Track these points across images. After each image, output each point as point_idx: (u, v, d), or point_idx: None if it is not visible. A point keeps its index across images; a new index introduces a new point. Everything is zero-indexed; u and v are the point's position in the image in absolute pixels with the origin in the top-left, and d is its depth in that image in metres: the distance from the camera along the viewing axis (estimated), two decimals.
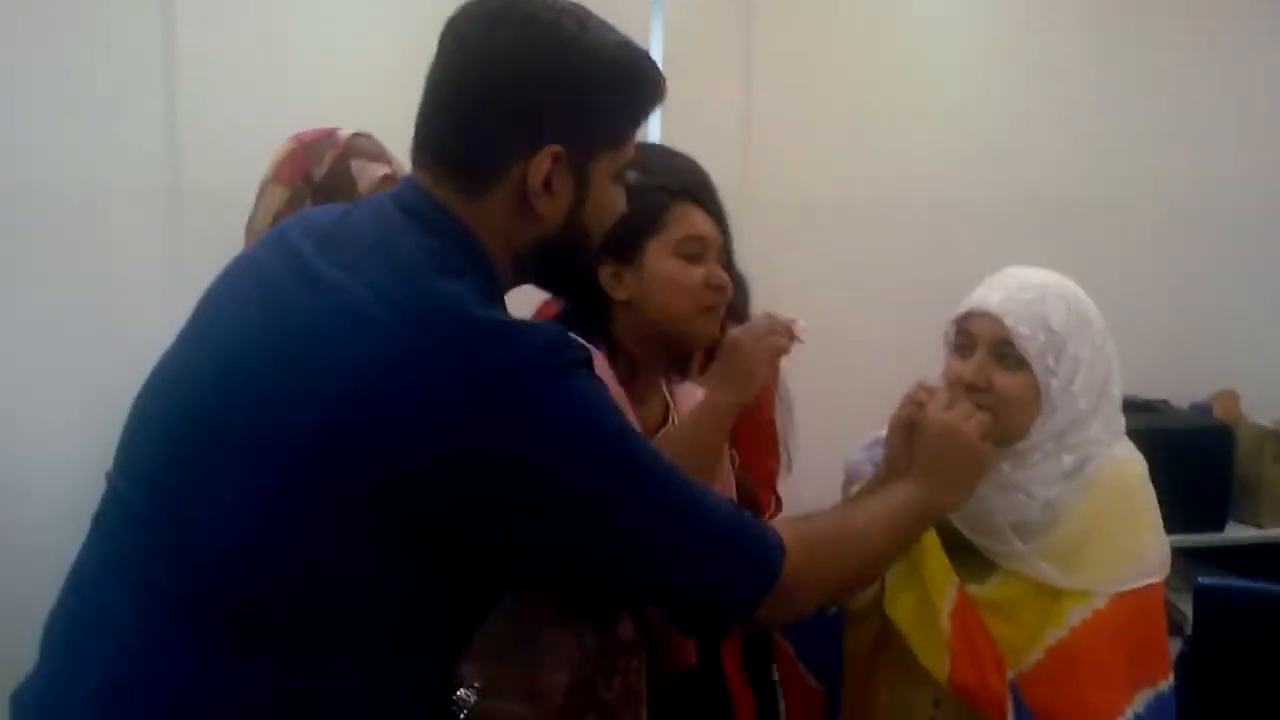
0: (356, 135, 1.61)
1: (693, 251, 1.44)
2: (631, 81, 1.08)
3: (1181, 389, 2.99)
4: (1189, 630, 2.05)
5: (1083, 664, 1.32)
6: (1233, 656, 1.95)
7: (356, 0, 2.46)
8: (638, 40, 1.10)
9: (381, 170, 1.58)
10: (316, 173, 1.55)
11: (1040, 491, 1.35)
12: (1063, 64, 2.91)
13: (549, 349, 0.96)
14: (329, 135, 1.58)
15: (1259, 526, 2.85)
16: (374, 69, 2.36)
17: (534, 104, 1.02)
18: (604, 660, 1.42)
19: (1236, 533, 2.85)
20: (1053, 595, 1.34)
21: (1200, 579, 2.06)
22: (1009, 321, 1.33)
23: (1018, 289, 1.35)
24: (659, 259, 1.44)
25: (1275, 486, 2.83)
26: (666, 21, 2.64)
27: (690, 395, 1.54)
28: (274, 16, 2.38)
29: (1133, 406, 2.69)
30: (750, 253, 1.98)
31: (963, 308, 1.39)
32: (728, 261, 1.52)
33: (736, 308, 1.69)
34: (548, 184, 1.03)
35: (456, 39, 1.05)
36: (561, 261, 1.11)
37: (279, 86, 2.31)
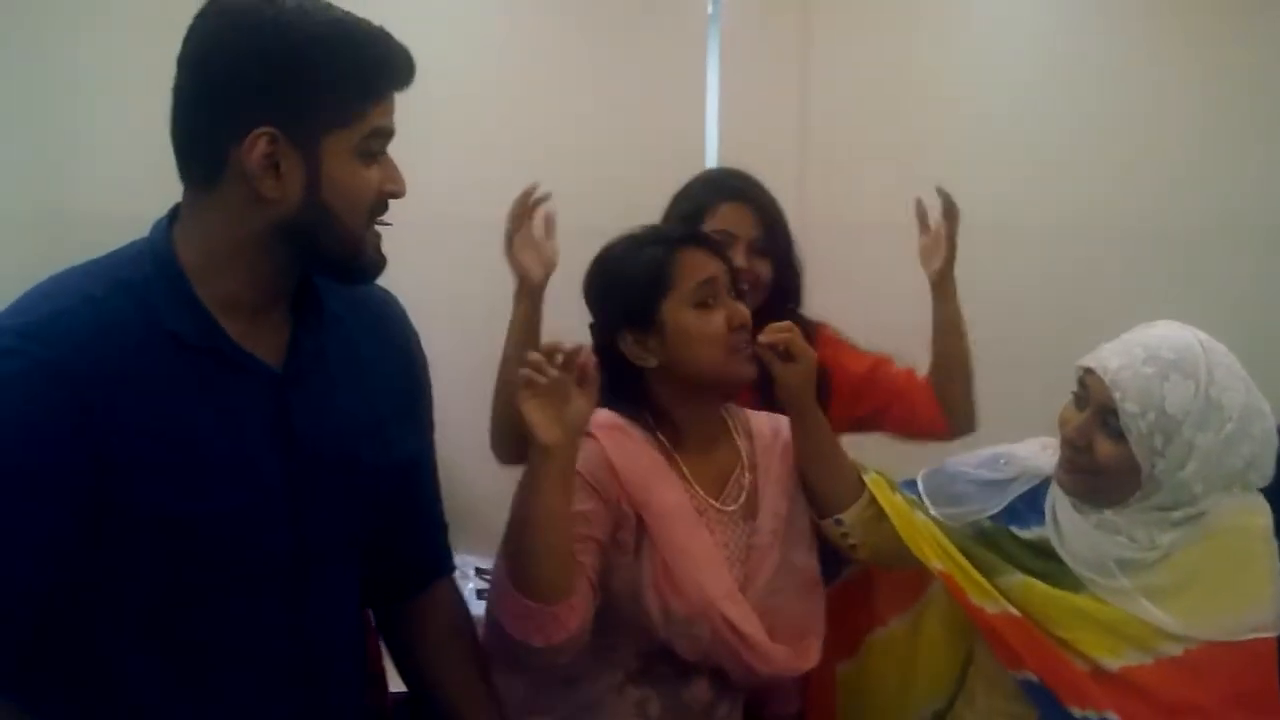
0: None
1: (705, 297, 1.39)
2: (343, 55, 1.04)
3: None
4: None
5: (1159, 698, 1.27)
6: None
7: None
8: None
9: None
10: None
11: (1144, 536, 1.30)
12: (1138, 67, 2.83)
13: None
14: None
15: None
16: None
17: (235, 88, 1.02)
18: None
19: None
20: (1148, 625, 1.29)
21: None
22: (1117, 395, 1.26)
23: (1141, 360, 1.26)
24: (678, 316, 1.39)
25: None
26: (723, 42, 2.64)
27: (768, 425, 1.51)
28: None
29: None
30: (808, 273, 1.98)
31: (1087, 360, 1.32)
32: (741, 294, 1.46)
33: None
34: (274, 166, 1.03)
35: (186, 39, 1.06)
36: (314, 244, 1.08)
37: None
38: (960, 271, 2.65)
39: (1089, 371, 1.31)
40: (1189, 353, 1.27)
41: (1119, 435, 1.26)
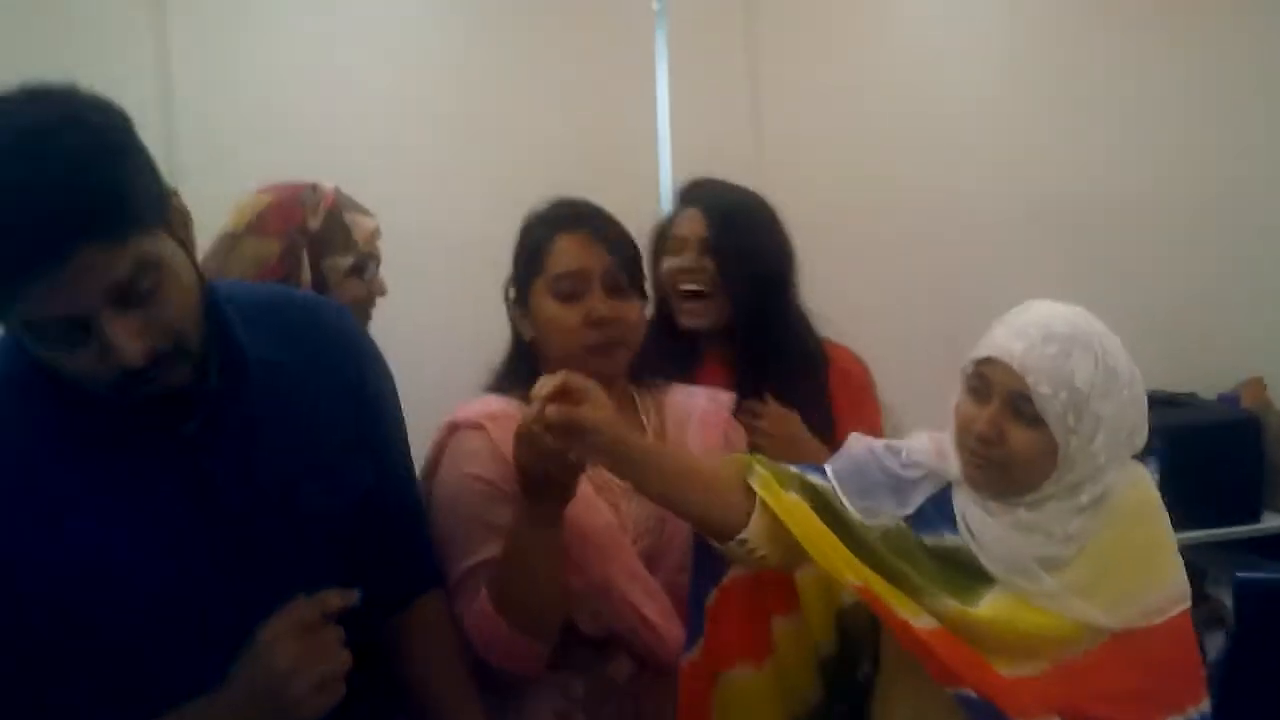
0: (338, 189, 1.62)
1: (566, 289, 1.38)
2: None
3: (1209, 380, 2.97)
4: (1231, 624, 2.03)
5: (1094, 684, 1.27)
6: (1276, 647, 1.94)
7: (351, 34, 2.46)
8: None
9: (373, 223, 1.61)
10: (312, 224, 1.56)
11: (1060, 528, 1.29)
12: (1079, 62, 2.91)
13: None
14: (313, 188, 1.59)
15: None
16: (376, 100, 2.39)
17: None
18: (597, 705, 1.38)
19: (1272, 521, 2.82)
20: (1076, 625, 1.27)
21: (1239, 573, 2.04)
22: (1030, 380, 1.23)
23: (1041, 340, 1.25)
24: (541, 301, 1.40)
25: None
26: (670, 47, 2.65)
27: (684, 400, 1.49)
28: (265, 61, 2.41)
29: (1162, 402, 2.71)
30: None
31: (982, 350, 1.29)
32: (627, 285, 1.41)
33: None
34: None
35: None
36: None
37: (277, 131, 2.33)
38: (910, 260, 2.71)
39: (988, 361, 1.28)
40: (1079, 327, 1.27)
41: (1033, 421, 1.24)
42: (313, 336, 1.17)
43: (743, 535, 1.29)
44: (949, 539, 1.32)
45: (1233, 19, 3.00)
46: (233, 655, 1.06)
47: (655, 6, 2.64)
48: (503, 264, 1.50)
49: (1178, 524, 1.36)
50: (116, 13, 2.31)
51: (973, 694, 1.24)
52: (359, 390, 1.21)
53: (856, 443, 1.40)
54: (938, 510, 1.34)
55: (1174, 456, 2.34)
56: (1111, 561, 1.29)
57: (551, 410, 1.17)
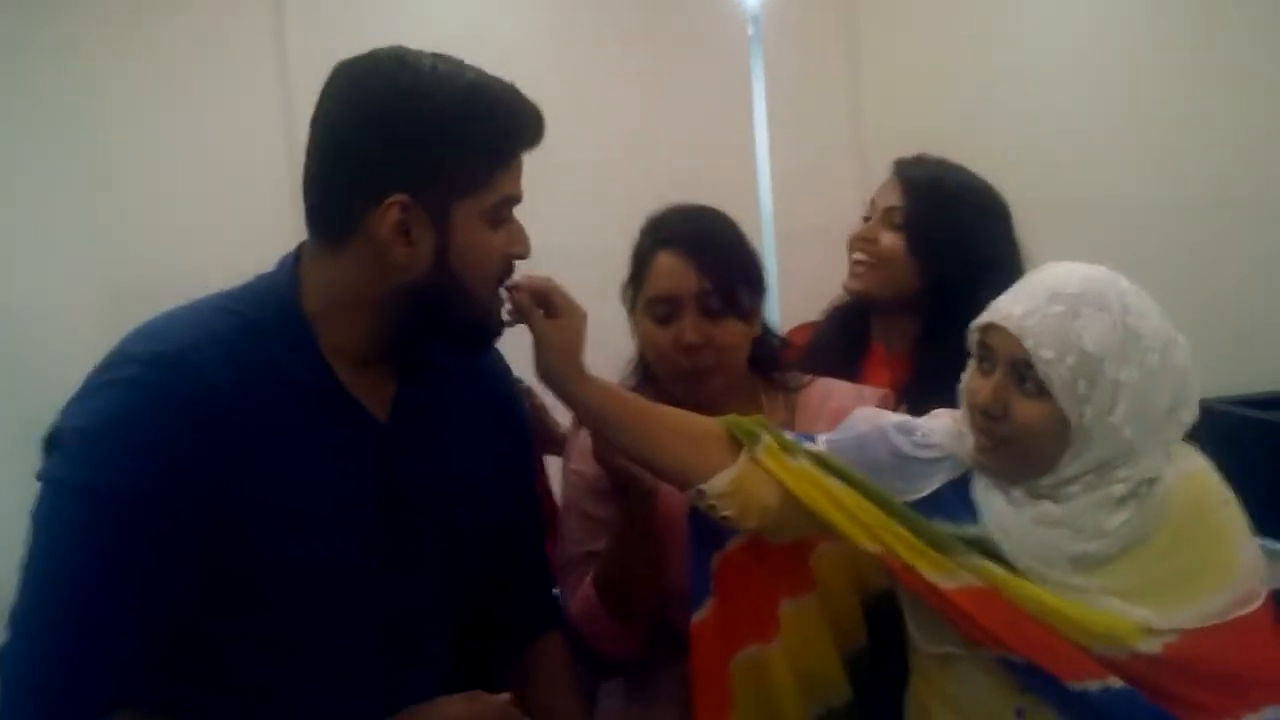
0: None
1: (660, 314, 1.36)
2: (473, 125, 1.04)
3: None
4: None
5: (1157, 676, 1.13)
6: None
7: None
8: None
9: None
10: None
11: (1090, 523, 1.15)
12: (1173, 60, 2.79)
13: (101, 364, 1.02)
14: None
15: None
16: None
17: (372, 156, 1.03)
18: None
19: None
20: (1126, 620, 1.14)
21: None
22: (1029, 343, 1.11)
23: (1046, 300, 1.12)
24: (640, 316, 1.41)
25: None
26: (767, 66, 2.67)
27: (821, 394, 1.47)
28: None
29: None
30: None
31: (984, 316, 1.17)
32: (721, 307, 1.36)
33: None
34: (405, 233, 1.03)
35: (319, 99, 1.07)
36: (440, 310, 1.08)
37: None
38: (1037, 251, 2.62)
39: (990, 328, 1.16)
40: (1095, 285, 1.13)
41: (1039, 391, 1.12)
42: (478, 362, 1.23)
43: (701, 487, 1.21)
44: (970, 529, 1.19)
45: None
46: (371, 651, 1.11)
47: (750, 31, 2.67)
48: (598, 279, 1.49)
49: None
50: (239, 32, 2.46)
51: (1016, 657, 1.14)
52: (511, 424, 1.28)
53: (862, 418, 1.29)
54: (958, 497, 1.21)
55: None
56: (1163, 569, 1.15)
57: (517, 295, 1.15)
